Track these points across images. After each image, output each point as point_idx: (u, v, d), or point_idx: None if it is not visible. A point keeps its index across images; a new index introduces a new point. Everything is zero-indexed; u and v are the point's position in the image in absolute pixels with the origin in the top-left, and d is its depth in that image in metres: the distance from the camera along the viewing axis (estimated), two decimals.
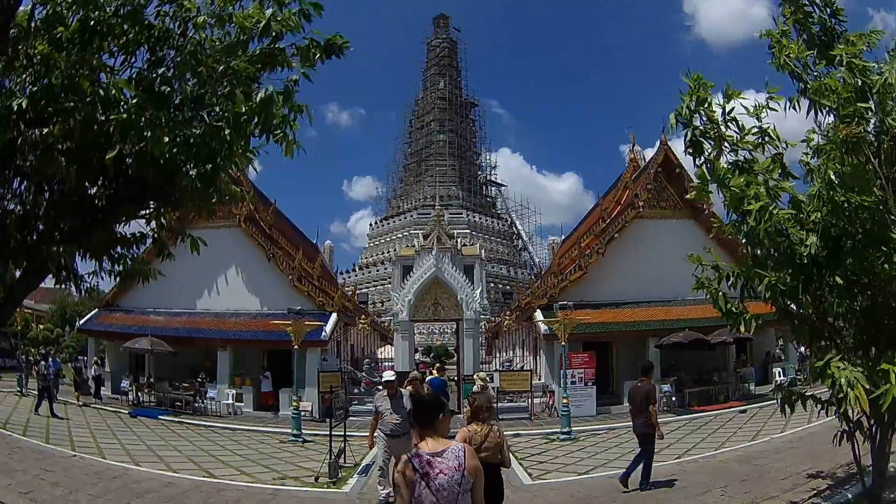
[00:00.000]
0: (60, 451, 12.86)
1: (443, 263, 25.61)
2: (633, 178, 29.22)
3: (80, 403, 21.74)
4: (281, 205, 35.36)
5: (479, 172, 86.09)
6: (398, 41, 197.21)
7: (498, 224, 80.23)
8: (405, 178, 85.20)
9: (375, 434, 9.17)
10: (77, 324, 30.51)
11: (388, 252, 68.33)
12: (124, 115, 4.40)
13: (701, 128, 6.03)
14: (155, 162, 4.60)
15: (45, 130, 4.48)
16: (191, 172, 4.95)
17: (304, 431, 16.58)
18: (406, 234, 70.83)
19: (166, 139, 4.43)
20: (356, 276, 70.03)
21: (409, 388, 10.70)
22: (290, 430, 16.84)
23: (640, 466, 9.71)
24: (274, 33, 4.90)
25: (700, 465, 11.52)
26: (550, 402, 22.08)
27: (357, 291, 33.77)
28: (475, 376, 17.74)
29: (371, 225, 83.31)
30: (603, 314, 23.07)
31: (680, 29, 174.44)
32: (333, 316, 23.99)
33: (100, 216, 5.31)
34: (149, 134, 4.38)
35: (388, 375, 9.39)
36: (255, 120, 4.78)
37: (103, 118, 4.57)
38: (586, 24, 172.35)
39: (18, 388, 24.38)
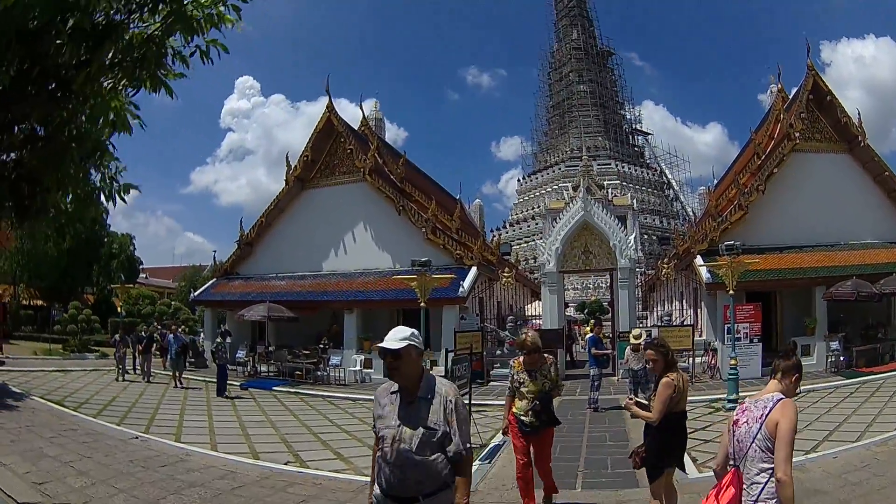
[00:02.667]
0: (121, 433, 11.41)
1: (592, 207, 22.99)
2: (784, 108, 25.85)
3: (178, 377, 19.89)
4: (431, 170, 33.96)
5: (624, 123, 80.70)
6: None
7: (647, 174, 74.48)
8: (549, 131, 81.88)
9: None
10: (192, 295, 29.69)
11: (538, 207, 65.86)
12: None
13: None
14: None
15: None
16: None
17: None
18: (555, 187, 68.04)
19: None
20: (506, 232, 68.15)
21: (518, 364, 6.68)
22: None
23: None
24: None
25: (893, 450, 8.92)
26: (713, 362, 19.47)
27: (501, 243, 31.45)
28: (630, 334, 15.16)
29: (519, 181, 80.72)
30: (767, 260, 19.88)
31: None
32: (473, 270, 22.16)
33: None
34: None
35: (391, 341, 3.39)
36: None
37: None
38: None
39: (119, 366, 21.21)
